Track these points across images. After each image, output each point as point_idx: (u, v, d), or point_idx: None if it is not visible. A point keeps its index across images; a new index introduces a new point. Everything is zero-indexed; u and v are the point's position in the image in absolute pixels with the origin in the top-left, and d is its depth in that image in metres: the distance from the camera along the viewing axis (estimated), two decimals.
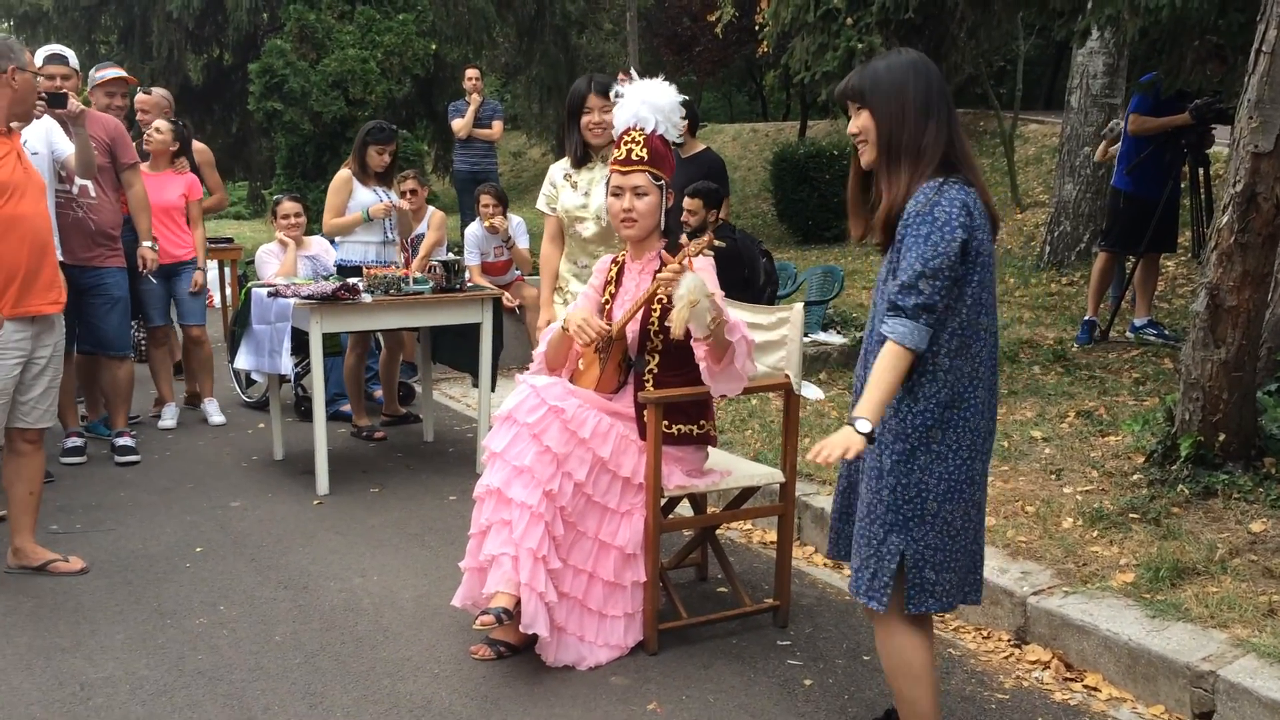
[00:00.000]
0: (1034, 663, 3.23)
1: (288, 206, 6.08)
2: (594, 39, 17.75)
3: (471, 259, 6.97)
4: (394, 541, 4.32)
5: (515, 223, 7.05)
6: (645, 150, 3.33)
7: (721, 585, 3.86)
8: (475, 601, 3.28)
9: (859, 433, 2.24)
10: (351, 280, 5.05)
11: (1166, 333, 6.59)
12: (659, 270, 3.12)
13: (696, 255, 3.04)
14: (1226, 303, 3.77)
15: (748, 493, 3.67)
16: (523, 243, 7.09)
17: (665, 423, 3.26)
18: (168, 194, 6.09)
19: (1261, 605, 3.09)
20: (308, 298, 4.81)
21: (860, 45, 6.16)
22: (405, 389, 6.70)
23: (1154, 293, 6.89)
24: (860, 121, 2.41)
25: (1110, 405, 5.22)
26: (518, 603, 3.09)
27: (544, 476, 3.11)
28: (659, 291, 3.12)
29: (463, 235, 7.32)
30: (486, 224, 6.95)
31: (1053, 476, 4.31)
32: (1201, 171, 6.33)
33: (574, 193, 4.16)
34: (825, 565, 4.08)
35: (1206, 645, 2.93)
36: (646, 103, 3.35)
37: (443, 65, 14.00)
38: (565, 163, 4.24)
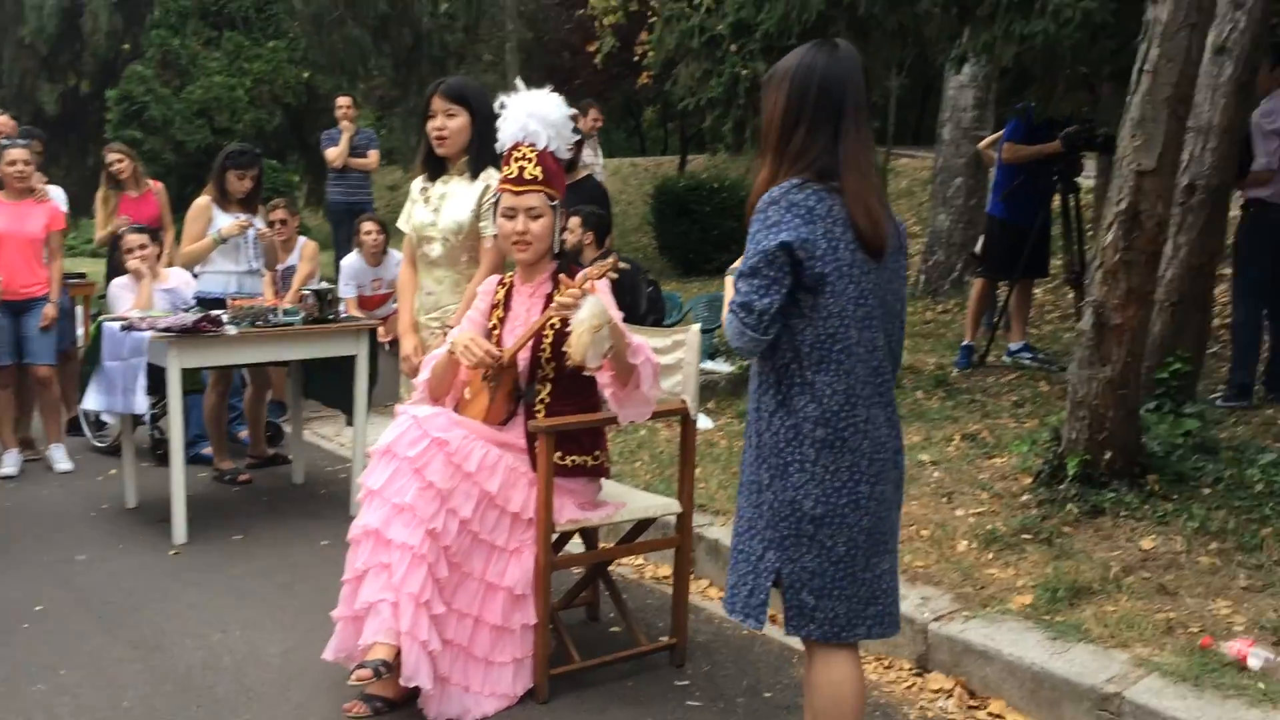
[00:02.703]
0: (937, 691, 3.15)
1: (132, 239, 5.71)
2: (473, 70, 17.55)
3: (347, 291, 6.68)
4: (259, 592, 4.00)
5: (395, 259, 6.77)
6: (539, 169, 3.17)
7: (614, 625, 3.68)
8: (350, 654, 3.03)
9: None
10: (214, 311, 4.74)
11: (1040, 356, 6.72)
12: (554, 292, 2.96)
13: (600, 278, 2.89)
14: (1111, 321, 3.80)
15: (642, 526, 3.51)
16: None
17: (558, 453, 3.09)
18: (29, 226, 5.70)
19: (1160, 623, 3.07)
20: (165, 330, 4.48)
21: (745, 72, 6.14)
22: (273, 429, 6.35)
23: (1028, 317, 7.03)
24: None
25: (993, 428, 5.25)
26: (397, 654, 2.85)
27: (427, 514, 2.89)
28: (558, 315, 2.93)
29: (336, 267, 7.03)
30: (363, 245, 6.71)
31: (944, 499, 4.28)
32: (1072, 198, 6.50)
33: (424, 208, 3.85)
34: (721, 599, 3.94)
35: (1109, 666, 2.88)
36: (535, 116, 3.18)
37: (316, 96, 13.65)
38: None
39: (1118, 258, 3.79)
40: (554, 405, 3.17)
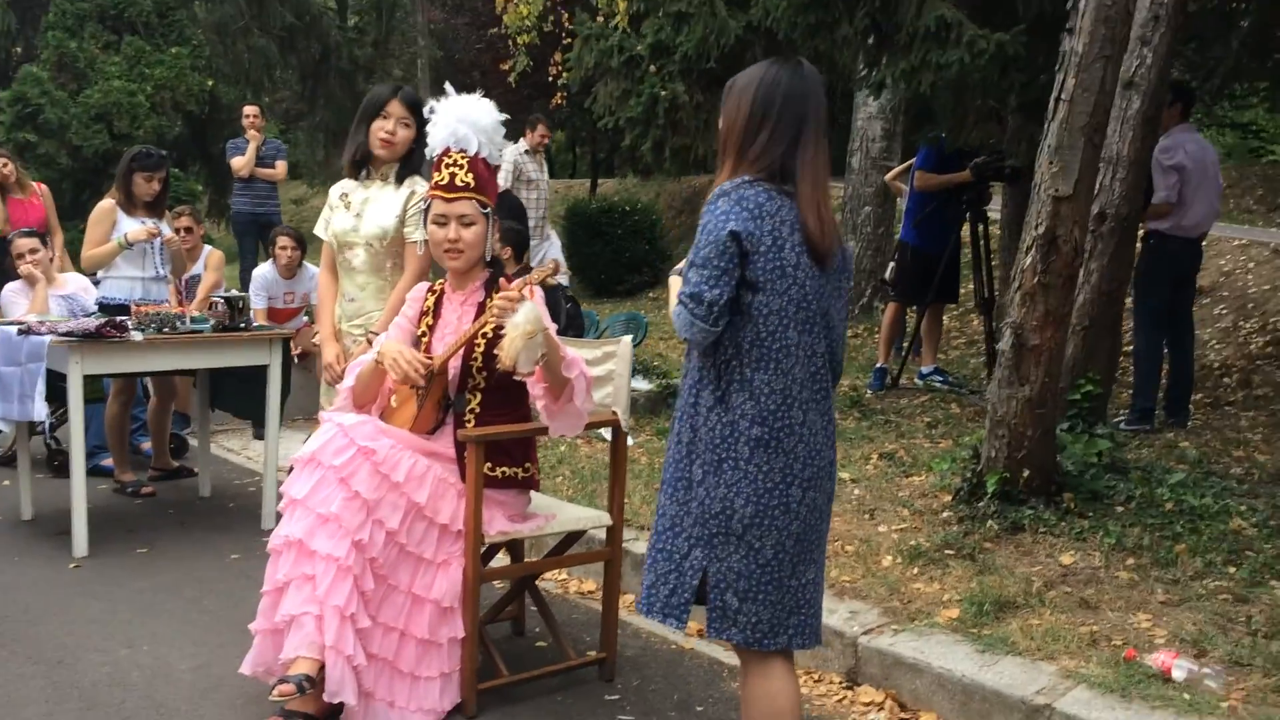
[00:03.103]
0: (868, 704, 3.15)
1: (22, 243, 5.49)
2: None
3: (258, 302, 6.47)
4: (167, 606, 3.82)
5: (310, 273, 6.59)
6: (470, 175, 3.10)
7: (541, 639, 3.61)
8: (269, 668, 2.90)
9: None
10: (119, 317, 4.54)
11: (951, 379, 6.87)
12: (487, 300, 2.90)
13: (539, 282, 2.84)
14: (1030, 342, 3.90)
15: (570, 539, 3.45)
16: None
17: (487, 464, 3.02)
18: None
19: (1084, 636, 3.13)
20: (66, 334, 4.27)
21: (664, 92, 6.17)
22: (177, 441, 6.10)
23: (939, 341, 7.19)
24: None
25: (909, 447, 5.34)
26: (320, 668, 2.74)
27: (352, 525, 2.79)
28: (493, 319, 2.87)
29: (241, 279, 6.81)
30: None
31: (867, 516, 4.32)
32: (980, 227, 6.68)
33: (346, 214, 3.77)
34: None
35: (1038, 678, 2.92)
36: (466, 121, 3.12)
37: (219, 105, 13.31)
38: (347, 183, 3.86)
39: (1036, 280, 3.89)
40: (484, 415, 3.09)
